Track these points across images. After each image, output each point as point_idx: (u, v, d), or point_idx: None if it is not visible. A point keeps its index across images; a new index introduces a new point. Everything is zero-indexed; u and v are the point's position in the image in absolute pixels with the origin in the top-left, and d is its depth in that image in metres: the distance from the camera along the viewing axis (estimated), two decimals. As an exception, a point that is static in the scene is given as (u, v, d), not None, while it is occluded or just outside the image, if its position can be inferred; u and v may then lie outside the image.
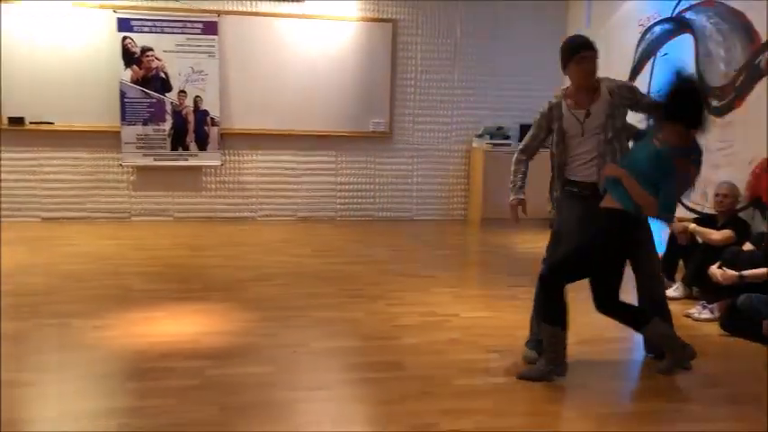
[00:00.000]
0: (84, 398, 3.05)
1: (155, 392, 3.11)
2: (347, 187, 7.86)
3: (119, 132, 7.10)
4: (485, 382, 3.33)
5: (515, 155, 3.80)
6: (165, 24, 7.05)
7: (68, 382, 3.21)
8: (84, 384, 3.19)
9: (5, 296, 4.43)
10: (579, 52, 3.50)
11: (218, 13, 7.17)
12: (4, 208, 7.03)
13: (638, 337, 3.76)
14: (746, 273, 4.23)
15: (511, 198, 3.74)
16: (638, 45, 6.56)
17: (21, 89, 6.87)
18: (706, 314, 4.46)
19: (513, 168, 3.79)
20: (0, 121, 6.87)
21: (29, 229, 6.76)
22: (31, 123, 6.97)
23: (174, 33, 7.09)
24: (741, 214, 5.00)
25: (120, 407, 2.96)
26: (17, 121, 6.92)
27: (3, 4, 6.72)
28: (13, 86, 6.85)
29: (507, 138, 7.76)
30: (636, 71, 6.58)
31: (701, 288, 4.81)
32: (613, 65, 6.91)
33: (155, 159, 7.23)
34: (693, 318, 4.46)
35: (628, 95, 3.58)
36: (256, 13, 7.31)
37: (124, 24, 6.95)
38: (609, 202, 3.35)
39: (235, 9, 7.27)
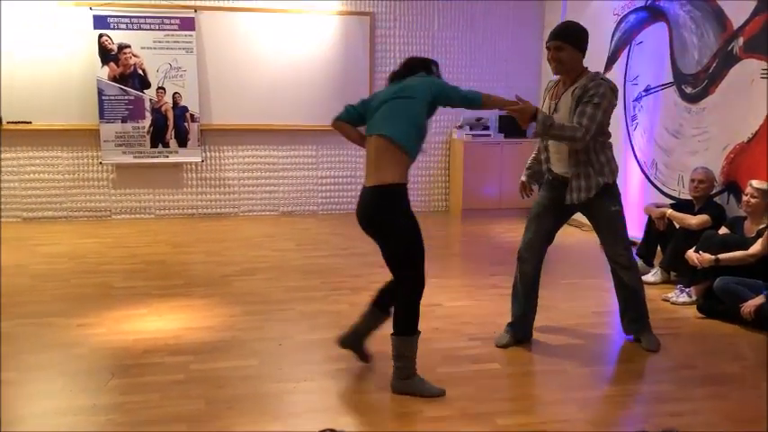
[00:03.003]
0: (69, 395, 3.05)
1: (139, 388, 3.13)
2: (329, 181, 7.87)
3: (97, 130, 7.05)
4: (468, 369, 3.38)
5: None
6: (141, 21, 7.01)
7: (53, 379, 3.21)
8: (68, 381, 3.19)
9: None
10: (547, 41, 3.44)
11: (195, 8, 7.13)
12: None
13: (616, 322, 3.83)
14: (722, 256, 4.32)
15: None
16: (613, 34, 6.62)
17: (-4, 89, 6.81)
18: (683, 298, 4.54)
19: None
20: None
21: (9, 229, 6.69)
22: (8, 123, 6.90)
23: (151, 30, 7.04)
24: (716, 199, 5.09)
25: (105, 403, 2.98)
26: (-6, 121, 6.86)
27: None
28: (-11, 86, 6.80)
29: (487, 128, 7.80)
30: (612, 60, 6.65)
31: (679, 272, 4.91)
32: (590, 54, 6.98)
33: (134, 157, 7.20)
34: (671, 301, 4.55)
35: (587, 92, 3.33)
36: (233, 9, 7.27)
37: (100, 22, 6.90)
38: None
39: (212, 4, 7.22)
